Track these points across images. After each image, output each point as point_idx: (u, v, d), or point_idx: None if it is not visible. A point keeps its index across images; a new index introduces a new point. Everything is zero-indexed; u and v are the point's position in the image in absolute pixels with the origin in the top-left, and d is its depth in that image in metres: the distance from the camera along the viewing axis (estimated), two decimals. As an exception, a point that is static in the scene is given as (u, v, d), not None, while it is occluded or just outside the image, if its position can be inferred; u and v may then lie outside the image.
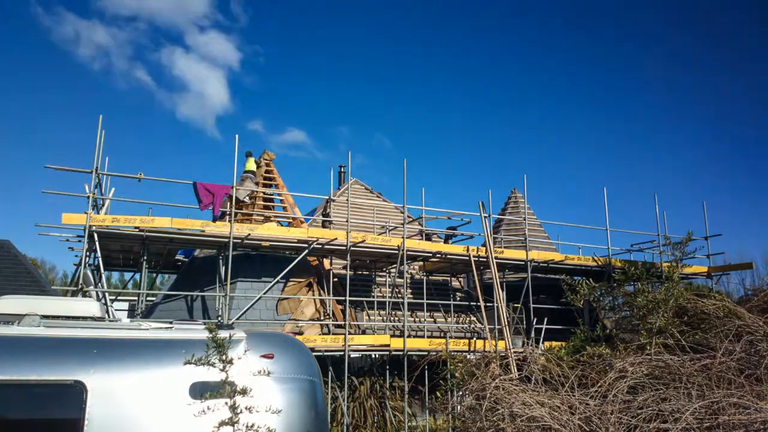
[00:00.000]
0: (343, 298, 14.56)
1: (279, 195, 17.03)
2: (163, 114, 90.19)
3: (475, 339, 15.89)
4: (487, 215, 16.56)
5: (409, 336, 14.78)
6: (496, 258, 16.12)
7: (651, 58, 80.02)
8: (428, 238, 18.75)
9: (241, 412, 3.86)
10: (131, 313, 20.17)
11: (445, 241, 18.51)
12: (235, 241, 13.40)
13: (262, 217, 15.99)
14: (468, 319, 18.26)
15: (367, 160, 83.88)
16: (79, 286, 12.07)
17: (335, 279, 15.86)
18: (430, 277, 18.42)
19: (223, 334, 4.11)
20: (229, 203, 13.85)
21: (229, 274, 13.08)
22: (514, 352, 13.96)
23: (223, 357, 3.93)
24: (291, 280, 15.14)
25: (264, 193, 16.47)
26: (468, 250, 16.18)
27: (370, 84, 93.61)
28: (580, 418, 8.15)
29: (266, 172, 16.96)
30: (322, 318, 14.94)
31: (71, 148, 70.86)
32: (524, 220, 17.81)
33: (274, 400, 4.30)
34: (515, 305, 16.60)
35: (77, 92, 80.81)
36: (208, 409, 3.86)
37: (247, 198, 15.44)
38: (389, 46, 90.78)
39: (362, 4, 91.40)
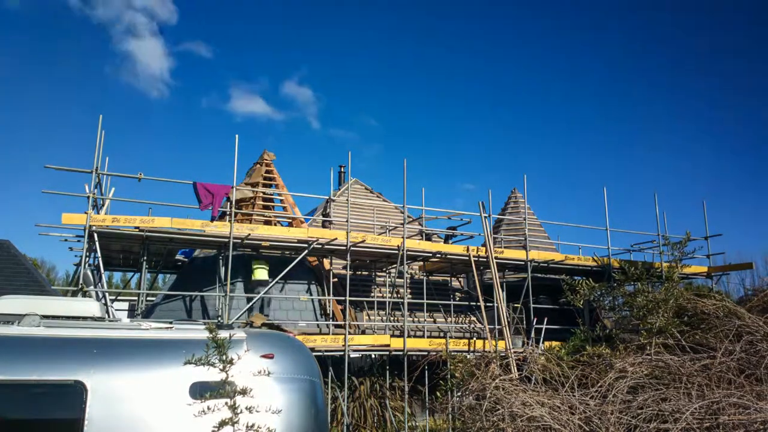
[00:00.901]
0: (343, 298, 14.57)
1: (279, 195, 17.03)
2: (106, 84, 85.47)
3: (475, 339, 15.89)
4: (487, 215, 16.57)
5: (409, 336, 14.78)
6: (496, 258, 16.12)
7: (651, 58, 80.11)
8: (428, 238, 18.75)
9: (241, 412, 3.86)
10: (131, 313, 20.17)
11: (445, 241, 18.51)
12: (235, 241, 13.40)
13: (263, 218, 16.01)
14: (468, 319, 18.25)
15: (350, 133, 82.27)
16: (79, 286, 12.07)
17: (335, 279, 15.86)
18: (430, 277, 18.43)
19: (223, 334, 4.11)
20: (228, 204, 13.85)
21: (229, 274, 13.08)
22: (514, 352, 13.96)
23: (223, 357, 3.93)
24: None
25: (264, 193, 16.47)
26: (468, 250, 16.18)
27: (367, 81, 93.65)
28: (580, 418, 8.15)
29: (266, 172, 16.95)
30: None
31: (68, 147, 70.83)
32: (524, 220, 17.81)
33: (274, 400, 4.29)
34: (515, 305, 16.60)
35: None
36: (208, 409, 3.86)
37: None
38: (387, 44, 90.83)
39: (359, 3, 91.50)
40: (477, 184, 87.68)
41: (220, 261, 13.71)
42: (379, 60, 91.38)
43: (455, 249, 16.47)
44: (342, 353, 13.63)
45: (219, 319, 13.03)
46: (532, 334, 15.99)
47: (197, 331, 4.68)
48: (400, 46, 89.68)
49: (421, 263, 17.43)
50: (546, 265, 17.61)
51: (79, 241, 14.02)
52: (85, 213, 12.10)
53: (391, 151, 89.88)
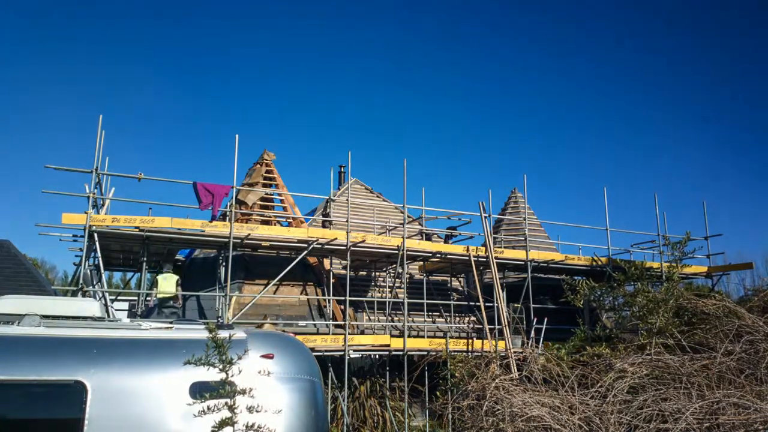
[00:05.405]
0: (343, 298, 14.56)
1: (279, 195, 17.03)
2: None
3: (474, 339, 15.88)
4: (487, 215, 16.56)
5: (409, 336, 14.78)
6: (496, 258, 16.12)
7: (651, 58, 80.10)
8: (428, 238, 18.74)
9: (240, 412, 3.85)
10: (131, 313, 20.14)
11: (445, 241, 18.50)
12: (235, 241, 13.40)
13: (263, 218, 16.01)
14: (468, 319, 18.25)
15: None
16: (79, 286, 12.07)
17: (335, 279, 15.86)
18: (429, 277, 18.42)
19: (223, 334, 4.11)
20: (230, 204, 13.85)
21: (230, 274, 13.08)
22: (514, 352, 13.96)
23: (223, 357, 3.93)
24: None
25: (264, 193, 16.47)
26: (468, 250, 16.17)
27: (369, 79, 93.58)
28: (580, 418, 8.15)
29: (266, 172, 16.95)
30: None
31: (71, 146, 70.72)
32: (524, 220, 17.82)
33: (274, 400, 4.29)
34: (515, 305, 16.59)
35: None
36: (208, 409, 3.85)
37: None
38: (387, 42, 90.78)
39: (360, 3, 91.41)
40: (477, 184, 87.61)
41: (220, 261, 13.71)
42: (382, 60, 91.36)
43: (455, 249, 16.47)
44: (342, 353, 13.63)
45: (219, 318, 13.03)
46: (532, 334, 15.98)
47: (197, 331, 4.67)
48: (401, 45, 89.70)
49: (421, 263, 17.43)
50: (546, 265, 17.61)
51: (75, 240, 14.03)
52: (85, 213, 12.09)
53: (391, 151, 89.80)
